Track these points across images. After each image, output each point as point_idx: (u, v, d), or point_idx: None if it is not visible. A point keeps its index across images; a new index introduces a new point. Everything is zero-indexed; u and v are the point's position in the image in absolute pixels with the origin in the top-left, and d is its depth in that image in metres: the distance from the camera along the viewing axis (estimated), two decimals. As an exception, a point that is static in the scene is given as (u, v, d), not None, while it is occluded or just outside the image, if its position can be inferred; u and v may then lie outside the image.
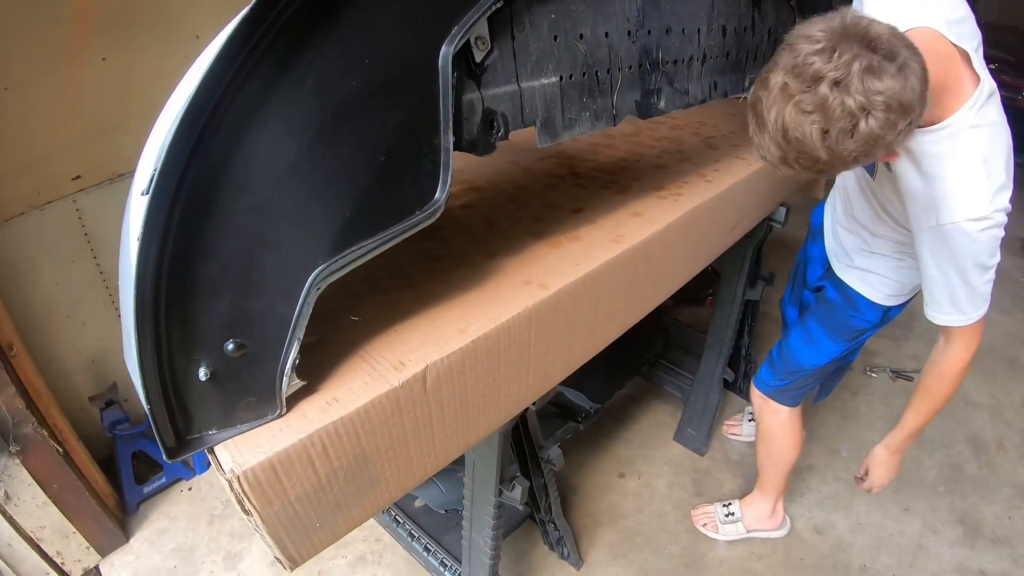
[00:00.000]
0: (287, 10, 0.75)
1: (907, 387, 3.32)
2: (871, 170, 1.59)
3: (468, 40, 0.98)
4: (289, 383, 0.90)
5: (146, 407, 0.80)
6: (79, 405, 2.52)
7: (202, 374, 0.83)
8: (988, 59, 1.35)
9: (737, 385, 3.03)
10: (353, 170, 0.88)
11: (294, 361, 0.89)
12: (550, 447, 1.81)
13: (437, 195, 0.98)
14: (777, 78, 1.11)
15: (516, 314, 1.10)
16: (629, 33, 1.29)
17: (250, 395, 0.89)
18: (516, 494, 1.66)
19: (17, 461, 2.02)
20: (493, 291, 1.16)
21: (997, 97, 1.33)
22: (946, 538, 2.55)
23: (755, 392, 2.22)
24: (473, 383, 1.10)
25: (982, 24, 1.37)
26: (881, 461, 1.84)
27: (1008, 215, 1.31)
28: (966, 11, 1.34)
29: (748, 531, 2.48)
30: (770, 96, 1.12)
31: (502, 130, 1.11)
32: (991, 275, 1.39)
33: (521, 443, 1.78)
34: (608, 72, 1.27)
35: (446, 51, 0.94)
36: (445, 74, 0.94)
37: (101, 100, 2.27)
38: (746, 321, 2.64)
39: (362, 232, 0.91)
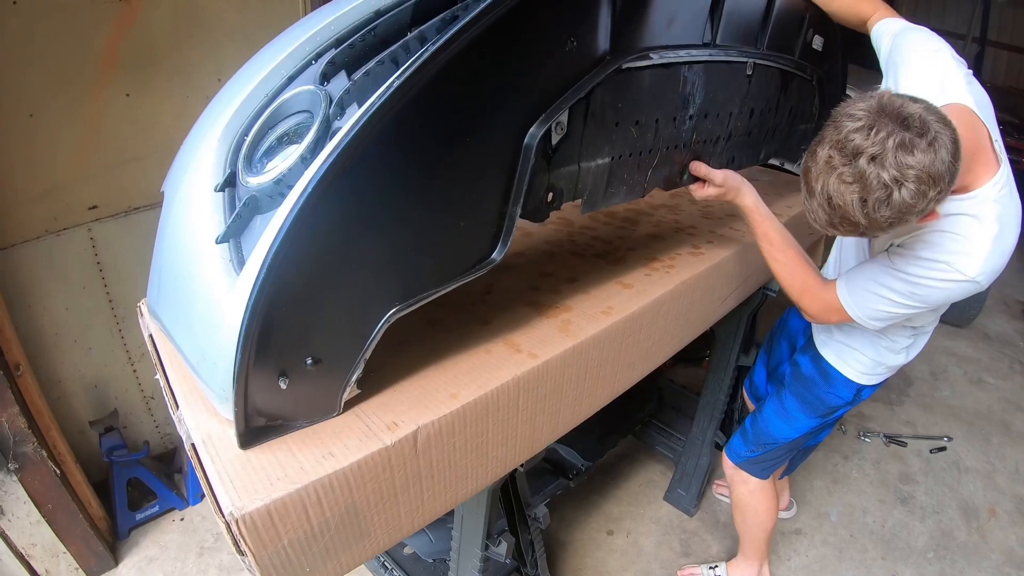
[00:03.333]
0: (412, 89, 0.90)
1: (900, 452, 3.34)
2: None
3: (550, 125, 1.11)
4: (350, 392, 1.06)
5: (234, 409, 0.95)
6: (79, 428, 2.58)
7: (283, 383, 0.96)
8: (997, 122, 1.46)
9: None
10: (438, 230, 1.04)
11: (359, 376, 1.04)
12: (537, 505, 1.84)
13: (495, 255, 1.12)
14: (823, 151, 1.24)
15: (505, 382, 1.16)
16: (675, 119, 1.43)
17: (315, 398, 1.03)
18: (502, 549, 1.69)
19: (15, 478, 2.06)
20: (484, 358, 1.22)
21: (1013, 182, 1.43)
22: (934, 605, 2.53)
23: (726, 461, 2.26)
24: (462, 445, 1.15)
25: (987, 86, 1.49)
26: (742, 193, 1.63)
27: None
28: (987, 98, 1.47)
29: (735, 594, 2.49)
30: (817, 167, 1.25)
31: (558, 202, 1.26)
32: (903, 312, 1.50)
33: (510, 499, 1.82)
34: (650, 152, 1.41)
35: (534, 133, 1.08)
36: (527, 154, 1.08)
37: (122, 134, 2.36)
38: (739, 386, 2.68)
39: (432, 283, 1.06)
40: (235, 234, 1.03)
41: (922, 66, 1.49)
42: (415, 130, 0.93)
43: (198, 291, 1.04)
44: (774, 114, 1.79)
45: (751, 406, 2.51)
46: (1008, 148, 1.45)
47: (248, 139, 1.11)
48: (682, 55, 1.36)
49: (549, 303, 1.42)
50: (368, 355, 1.03)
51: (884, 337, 1.77)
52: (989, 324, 4.66)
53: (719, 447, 2.71)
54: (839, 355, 1.89)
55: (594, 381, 1.39)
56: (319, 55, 1.18)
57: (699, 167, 1.59)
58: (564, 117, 1.14)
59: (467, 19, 0.92)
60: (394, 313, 1.02)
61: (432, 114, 0.95)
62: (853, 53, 2.05)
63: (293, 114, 1.10)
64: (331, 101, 1.01)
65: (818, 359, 1.95)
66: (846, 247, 1.80)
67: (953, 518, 2.98)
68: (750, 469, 2.18)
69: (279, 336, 0.93)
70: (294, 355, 0.96)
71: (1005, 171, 1.40)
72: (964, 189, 1.37)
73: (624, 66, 1.22)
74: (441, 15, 1.07)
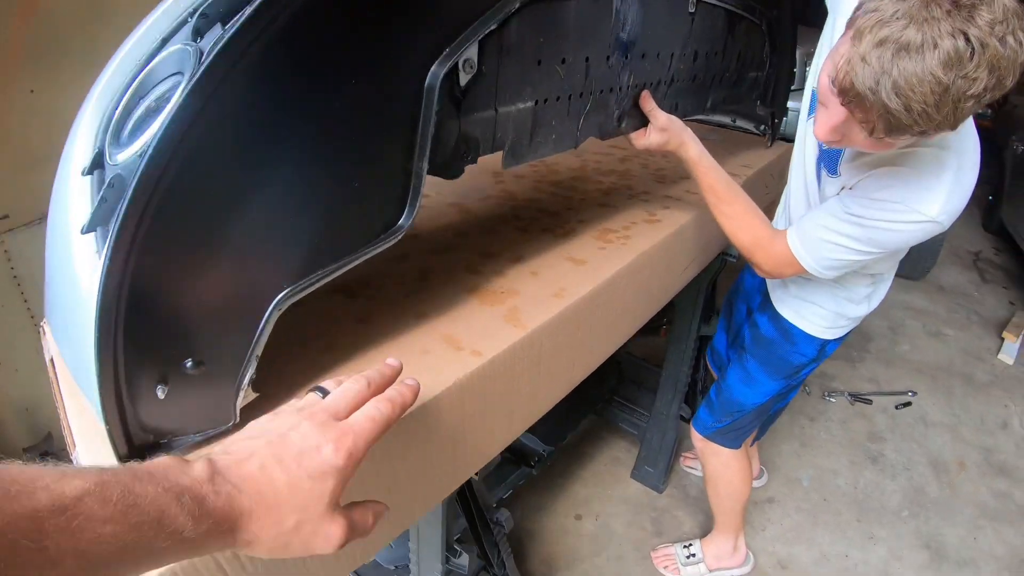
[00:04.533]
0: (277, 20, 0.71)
1: (866, 410, 3.30)
2: (819, 175, 1.53)
3: (456, 63, 0.93)
4: (244, 396, 0.88)
5: (104, 425, 0.77)
6: (13, 456, 2.34)
7: (160, 392, 0.80)
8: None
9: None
10: (328, 193, 0.86)
11: (251, 377, 0.87)
12: (499, 510, 1.69)
13: (403, 220, 0.95)
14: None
15: (447, 387, 0.99)
16: (608, 59, 1.26)
17: (205, 407, 0.86)
18: (464, 561, 1.54)
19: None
20: (421, 360, 1.05)
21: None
22: (911, 564, 2.52)
23: (695, 435, 2.16)
24: (404, 467, 0.99)
25: None
26: (682, 134, 1.48)
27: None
28: None
29: (710, 571, 2.41)
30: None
31: (473, 154, 1.08)
32: (861, 259, 1.38)
33: (468, 505, 1.67)
34: (580, 96, 1.24)
35: (436, 72, 0.90)
36: (430, 98, 0.90)
37: (29, 134, 2.13)
38: (701, 356, 2.57)
39: (327, 257, 0.88)
40: (102, 221, 0.84)
41: None
42: (284, 74, 0.75)
43: (69, 292, 0.87)
44: (720, 58, 1.64)
45: (715, 375, 2.41)
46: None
47: (117, 112, 0.92)
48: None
49: (493, 288, 1.25)
50: (259, 351, 0.86)
51: (842, 287, 1.67)
52: (942, 276, 4.66)
53: (685, 420, 2.62)
54: (798, 311, 1.79)
55: (549, 373, 1.23)
56: (195, 11, 0.99)
57: (646, 100, 1.42)
58: (473, 54, 0.97)
59: None
60: (285, 297, 0.84)
61: (304, 53, 0.76)
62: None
63: (165, 78, 0.91)
64: (201, 57, 0.83)
65: (777, 318, 1.84)
66: (794, 193, 1.66)
67: (924, 474, 2.96)
68: (720, 440, 2.09)
69: (146, 335, 0.75)
70: (169, 357, 0.78)
71: None
72: None
73: None
74: None
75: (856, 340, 3.85)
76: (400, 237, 0.94)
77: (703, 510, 2.67)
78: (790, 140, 1.76)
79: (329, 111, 0.80)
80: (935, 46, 0.95)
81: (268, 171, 0.77)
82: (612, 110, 1.35)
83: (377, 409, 0.67)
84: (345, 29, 0.78)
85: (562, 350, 1.24)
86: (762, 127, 2.33)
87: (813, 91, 1.50)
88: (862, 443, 3.11)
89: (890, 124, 1.04)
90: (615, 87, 1.31)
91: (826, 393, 3.40)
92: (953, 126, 1.04)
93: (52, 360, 1.09)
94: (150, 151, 0.68)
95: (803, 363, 1.85)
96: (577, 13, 1.13)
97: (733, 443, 2.09)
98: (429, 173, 0.96)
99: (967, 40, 0.94)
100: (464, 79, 0.96)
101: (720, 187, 1.49)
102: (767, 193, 2.20)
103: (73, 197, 0.91)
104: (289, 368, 1.01)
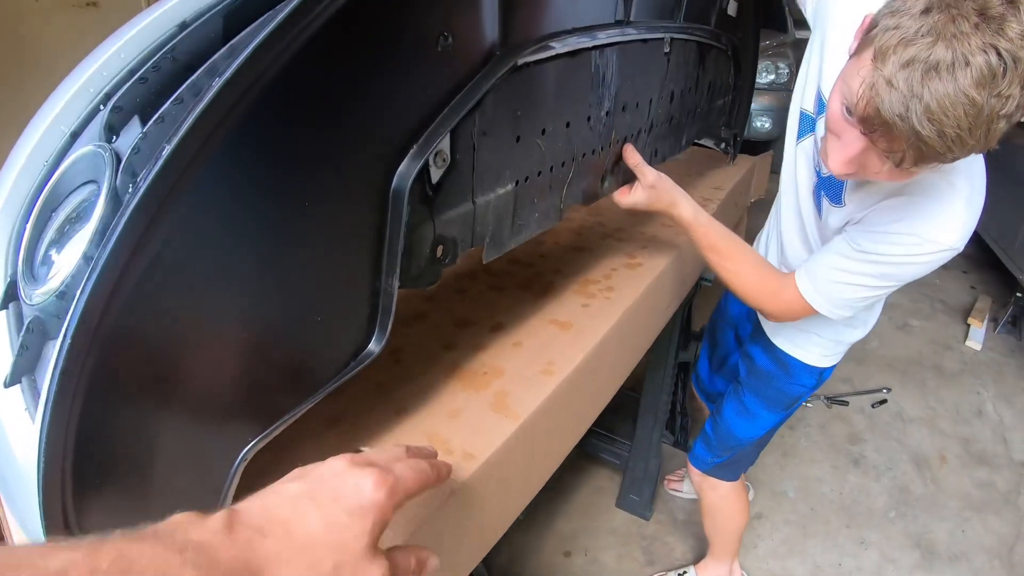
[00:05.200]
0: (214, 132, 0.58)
1: (843, 412, 3.28)
2: (819, 204, 1.44)
3: (427, 159, 0.79)
4: None
5: None
6: None
7: None
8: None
9: (676, 441, 2.88)
10: (289, 334, 0.74)
11: None
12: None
13: (372, 346, 0.84)
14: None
15: (440, 504, 0.88)
16: (589, 119, 1.14)
17: None
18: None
19: None
20: (407, 467, 0.93)
21: None
22: (904, 565, 2.50)
23: (692, 470, 2.08)
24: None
25: None
26: (672, 194, 1.40)
27: None
28: None
29: (707, 597, 2.34)
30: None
31: (451, 256, 0.94)
32: (879, 294, 1.32)
33: None
34: (563, 165, 1.12)
35: (404, 172, 0.76)
36: (398, 205, 0.76)
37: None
38: (679, 381, 2.50)
39: (293, 399, 0.77)
40: (26, 370, 0.73)
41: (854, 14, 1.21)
42: (224, 198, 0.62)
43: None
44: (694, 92, 1.56)
45: (704, 405, 2.34)
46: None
47: (27, 232, 0.79)
48: (592, 39, 1.08)
49: (474, 368, 1.14)
50: (229, 502, 0.75)
51: None
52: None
53: (676, 446, 2.55)
54: (794, 342, 1.70)
55: (543, 456, 1.13)
56: (108, 96, 0.85)
57: (631, 154, 1.32)
58: (445, 144, 0.83)
59: (281, 18, 0.59)
60: (251, 449, 0.74)
61: (247, 171, 0.63)
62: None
63: (78, 187, 0.78)
64: (119, 165, 0.70)
65: (771, 348, 1.75)
66: (786, 222, 1.57)
67: (907, 472, 2.95)
68: (719, 474, 2.01)
69: (100, 507, 0.64)
70: (129, 525, 0.66)
71: None
72: None
73: (520, 62, 0.93)
74: (260, 18, 0.74)
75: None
76: (369, 362, 0.82)
77: (693, 533, 2.60)
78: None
79: (278, 242, 0.68)
80: (967, 63, 0.85)
81: (215, 318, 0.65)
82: (595, 172, 1.25)
83: (418, 463, 0.62)
84: (290, 139, 0.65)
85: (555, 431, 1.14)
86: (723, 145, 2.27)
87: (802, 113, 1.41)
88: (843, 446, 3.08)
89: (921, 153, 0.93)
90: (597, 148, 1.21)
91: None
92: (982, 150, 0.95)
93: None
94: (80, 304, 0.56)
95: (802, 392, 1.78)
96: (555, 76, 1.02)
97: (732, 476, 2.02)
98: (401, 287, 0.83)
99: (999, 55, 0.85)
100: (436, 175, 0.83)
101: (721, 244, 1.40)
102: (737, 209, 2.14)
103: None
104: (257, 484, 0.89)
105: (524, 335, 1.24)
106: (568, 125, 1.10)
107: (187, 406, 0.66)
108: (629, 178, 1.36)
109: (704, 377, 2.25)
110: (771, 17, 7.13)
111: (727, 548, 2.28)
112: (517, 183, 1.02)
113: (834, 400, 3.31)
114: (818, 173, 1.40)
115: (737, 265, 1.40)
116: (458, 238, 0.93)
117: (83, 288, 0.56)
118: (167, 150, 0.56)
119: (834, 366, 1.75)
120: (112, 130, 0.77)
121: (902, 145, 0.94)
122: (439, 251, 0.90)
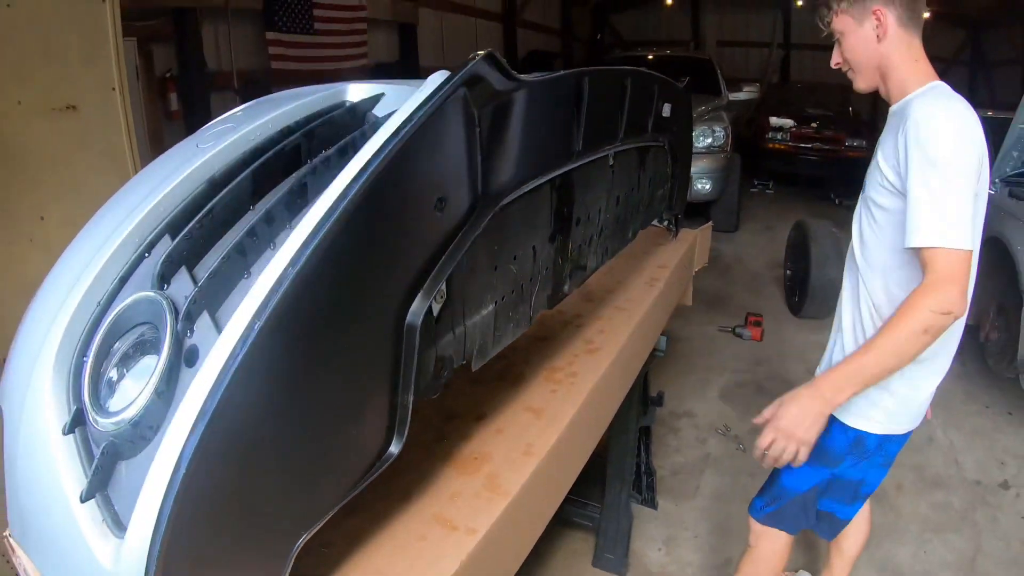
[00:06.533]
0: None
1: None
2: (859, 218, 1.67)
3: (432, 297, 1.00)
4: None
5: None
6: None
7: None
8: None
9: (644, 500, 3.03)
10: (332, 447, 0.93)
11: None
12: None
13: (393, 448, 1.01)
14: None
15: (454, 573, 1.06)
16: (551, 239, 1.37)
17: None
18: None
19: None
20: (420, 546, 1.11)
21: None
22: (872, 590, 2.58)
23: (750, 520, 2.08)
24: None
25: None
26: (795, 400, 1.48)
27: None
28: None
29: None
30: None
31: (448, 371, 1.15)
32: (966, 192, 1.37)
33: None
34: (531, 280, 1.35)
35: (416, 311, 0.96)
36: (411, 338, 0.96)
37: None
38: (641, 443, 2.67)
39: (334, 496, 0.95)
40: (100, 487, 0.89)
41: None
42: (288, 353, 0.83)
43: (72, 559, 0.89)
44: (637, 190, 1.80)
45: None
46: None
47: (88, 365, 0.95)
48: (551, 174, 1.31)
49: (464, 455, 1.34)
50: None
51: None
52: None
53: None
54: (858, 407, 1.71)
55: (529, 524, 1.33)
56: (151, 245, 1.03)
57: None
58: (443, 283, 1.05)
59: (331, 205, 0.82)
60: (303, 541, 0.91)
61: (303, 333, 0.84)
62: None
63: (134, 327, 0.95)
64: (176, 311, 0.89)
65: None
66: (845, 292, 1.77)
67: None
68: (770, 522, 2.00)
69: None
70: None
71: None
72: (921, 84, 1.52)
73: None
74: (287, 187, 0.97)
75: (779, 388, 3.98)
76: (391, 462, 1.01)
77: (668, 584, 2.70)
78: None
79: (326, 380, 0.88)
80: None
81: (278, 444, 0.84)
82: (558, 280, 1.47)
83: None
84: (332, 301, 0.87)
85: (537, 503, 1.33)
86: (666, 222, 2.49)
87: None
88: (803, 491, 3.21)
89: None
90: (557, 259, 1.44)
91: (739, 444, 3.53)
92: None
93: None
94: (185, 455, 0.74)
95: (841, 452, 1.77)
96: (521, 210, 1.24)
97: (791, 527, 2.00)
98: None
99: None
100: (436, 309, 1.05)
101: (873, 366, 1.44)
102: (682, 283, 2.35)
103: (57, 457, 0.93)
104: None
105: (504, 422, 1.44)
106: (534, 248, 1.33)
107: (260, 517, 0.85)
108: (586, 277, 1.58)
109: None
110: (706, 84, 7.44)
111: None
112: (496, 303, 1.25)
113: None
114: (859, 215, 1.67)
115: (894, 346, 1.41)
116: (453, 356, 1.15)
117: (188, 440, 0.75)
118: (262, 317, 0.77)
119: (880, 434, 1.74)
120: (164, 279, 0.95)
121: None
122: (439, 368, 1.12)
